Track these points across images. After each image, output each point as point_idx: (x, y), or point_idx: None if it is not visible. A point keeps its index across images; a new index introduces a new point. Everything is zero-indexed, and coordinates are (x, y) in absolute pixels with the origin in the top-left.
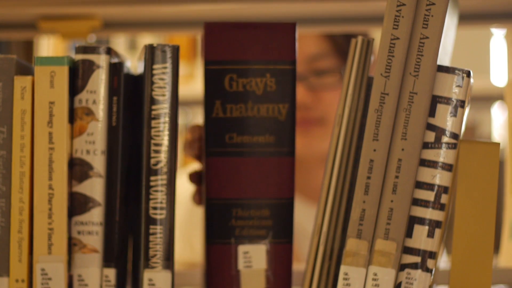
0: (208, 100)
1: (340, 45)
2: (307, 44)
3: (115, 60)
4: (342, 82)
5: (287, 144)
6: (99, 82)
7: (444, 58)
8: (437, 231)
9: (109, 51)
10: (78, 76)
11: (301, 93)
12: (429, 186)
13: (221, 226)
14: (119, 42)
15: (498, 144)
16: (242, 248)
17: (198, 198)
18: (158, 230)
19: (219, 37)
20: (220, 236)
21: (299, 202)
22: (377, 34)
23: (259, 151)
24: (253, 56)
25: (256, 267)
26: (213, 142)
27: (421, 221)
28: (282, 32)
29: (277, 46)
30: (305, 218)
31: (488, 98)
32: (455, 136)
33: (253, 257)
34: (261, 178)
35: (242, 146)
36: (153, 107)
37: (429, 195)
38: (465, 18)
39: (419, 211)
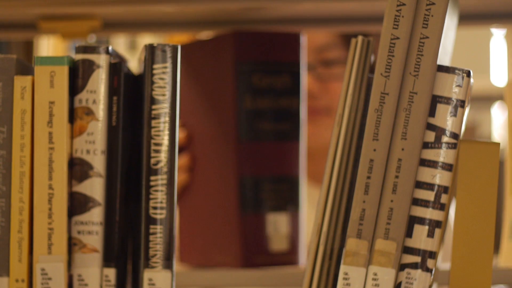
0: (240, 95)
1: (347, 36)
2: (316, 34)
3: (115, 60)
4: None
5: (298, 131)
6: (99, 82)
7: (444, 58)
8: (437, 231)
9: (109, 51)
10: (78, 76)
11: (309, 82)
12: (429, 186)
13: (253, 199)
14: (119, 42)
15: (498, 144)
16: (269, 217)
17: None
18: (158, 230)
19: (248, 43)
20: (252, 207)
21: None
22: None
23: (279, 136)
24: (274, 58)
25: (281, 232)
26: (244, 129)
27: (421, 221)
28: (293, 39)
29: (290, 50)
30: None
31: (488, 98)
32: (455, 136)
33: (278, 224)
34: (280, 158)
35: (266, 132)
36: (153, 106)
37: (429, 195)
38: (465, 18)
39: (419, 211)
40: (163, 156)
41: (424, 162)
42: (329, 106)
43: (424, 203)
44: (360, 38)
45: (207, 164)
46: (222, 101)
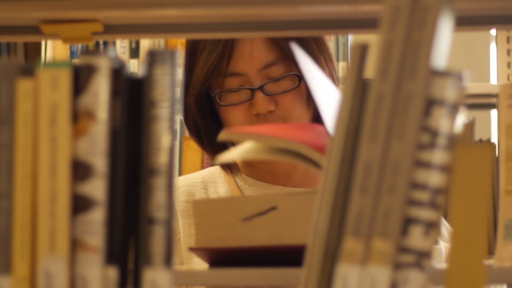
0: None
1: (287, 51)
2: (259, 54)
3: (116, 63)
4: (295, 84)
5: None
6: (101, 85)
7: (440, 60)
8: (432, 231)
9: (111, 55)
10: (80, 79)
11: (263, 101)
12: (425, 187)
13: None
14: (121, 46)
15: (493, 146)
16: None
17: None
18: (158, 230)
19: None
20: None
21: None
22: (368, 38)
23: None
24: None
25: None
26: None
27: (416, 221)
28: None
29: None
30: None
31: (487, 100)
32: (450, 137)
33: None
34: None
35: None
36: (153, 109)
37: (425, 196)
38: (463, 21)
39: (414, 212)
40: (162, 157)
41: (419, 164)
42: (284, 116)
43: (420, 204)
44: (357, 41)
45: None
46: None
